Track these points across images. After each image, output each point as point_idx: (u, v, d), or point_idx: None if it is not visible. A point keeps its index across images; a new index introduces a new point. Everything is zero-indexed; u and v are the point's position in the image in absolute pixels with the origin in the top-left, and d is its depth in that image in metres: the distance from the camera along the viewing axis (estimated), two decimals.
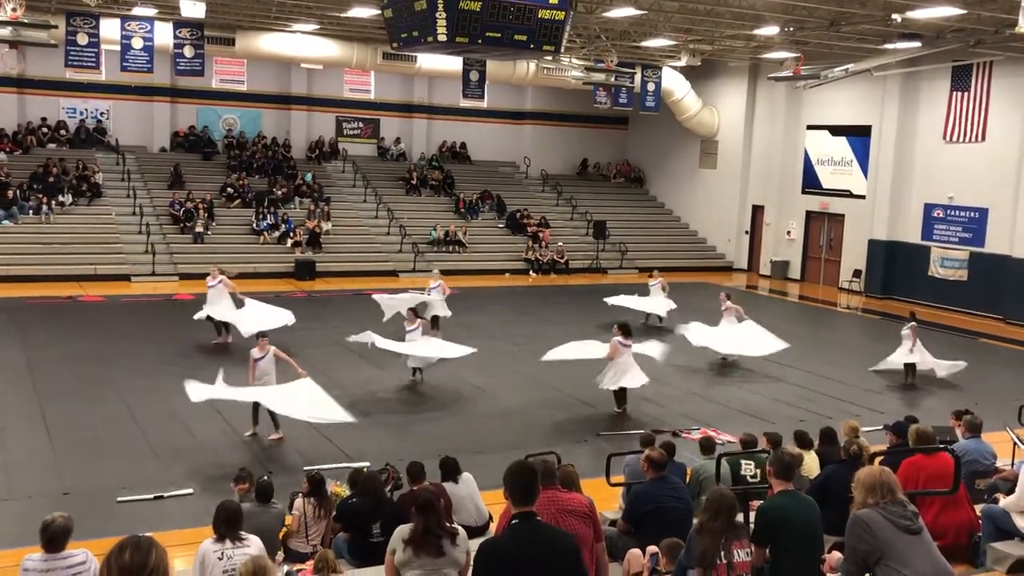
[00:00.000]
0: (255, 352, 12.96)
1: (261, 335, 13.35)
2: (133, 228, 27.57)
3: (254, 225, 29.06)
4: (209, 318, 18.31)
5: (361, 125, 35.28)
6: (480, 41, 10.95)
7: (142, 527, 8.73)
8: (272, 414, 12.80)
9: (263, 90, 33.33)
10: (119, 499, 10.50)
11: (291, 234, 28.82)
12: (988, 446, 9.04)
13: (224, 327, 18.35)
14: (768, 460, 6.18)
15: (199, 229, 27.83)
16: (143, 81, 30.04)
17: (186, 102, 32.35)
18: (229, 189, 30.14)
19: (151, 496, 10.64)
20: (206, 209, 28.54)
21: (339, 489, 9.12)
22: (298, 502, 8.38)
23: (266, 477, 8.65)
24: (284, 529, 8.47)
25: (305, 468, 10.43)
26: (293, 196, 30.87)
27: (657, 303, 22.04)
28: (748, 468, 9.28)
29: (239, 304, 18.30)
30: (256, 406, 12.67)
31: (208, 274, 18.88)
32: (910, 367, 17.40)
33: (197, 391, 12.22)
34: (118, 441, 12.58)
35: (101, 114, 31.35)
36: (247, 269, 26.66)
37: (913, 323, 17.62)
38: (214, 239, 28.13)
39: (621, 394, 14.91)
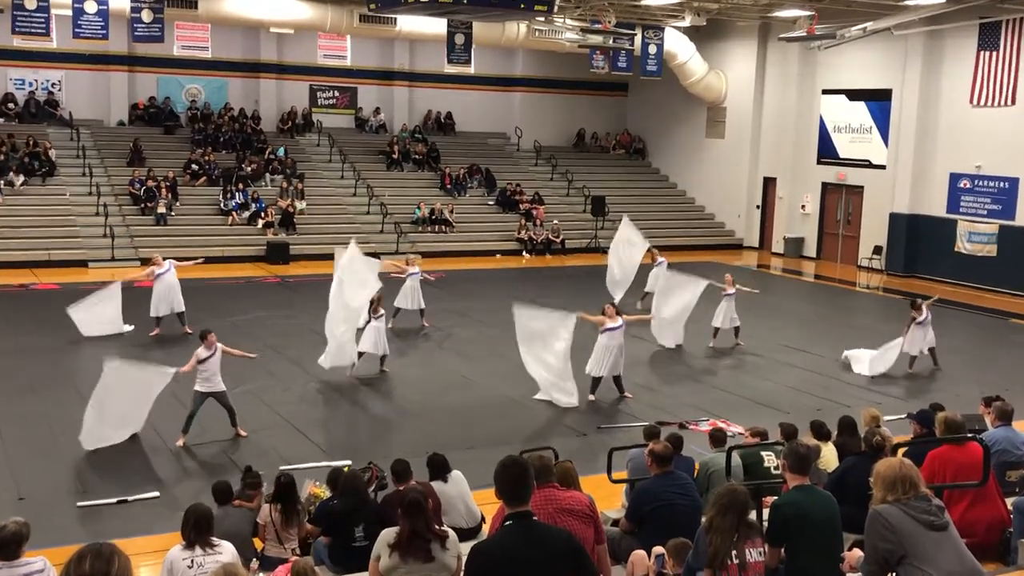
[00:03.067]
0: (202, 351, 12.67)
1: (207, 332, 13.01)
2: (90, 210, 27.46)
3: (222, 205, 28.97)
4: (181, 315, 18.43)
5: (337, 94, 35.13)
6: (465, 1, 10.91)
7: (104, 533, 8.75)
8: (231, 412, 12.83)
9: (229, 57, 33.16)
10: (79, 503, 10.51)
11: (262, 214, 28.74)
12: (1020, 435, 9.07)
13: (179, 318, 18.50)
14: (782, 453, 6.21)
15: (161, 210, 27.73)
16: (98, 49, 29.76)
17: (145, 71, 32.17)
18: (194, 166, 30.02)
19: (114, 500, 10.64)
20: (169, 188, 28.43)
21: (318, 490, 9.12)
22: (264, 509, 8.36)
23: (226, 480, 8.67)
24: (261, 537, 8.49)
25: (280, 468, 10.43)
26: (264, 173, 30.76)
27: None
28: (771, 459, 9.30)
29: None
30: (191, 416, 12.61)
31: (150, 259, 19.00)
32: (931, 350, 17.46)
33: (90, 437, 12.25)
34: (77, 441, 12.54)
35: (52, 85, 31.15)
36: (215, 253, 26.61)
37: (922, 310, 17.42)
38: (178, 221, 28.03)
39: (617, 380, 15.10)
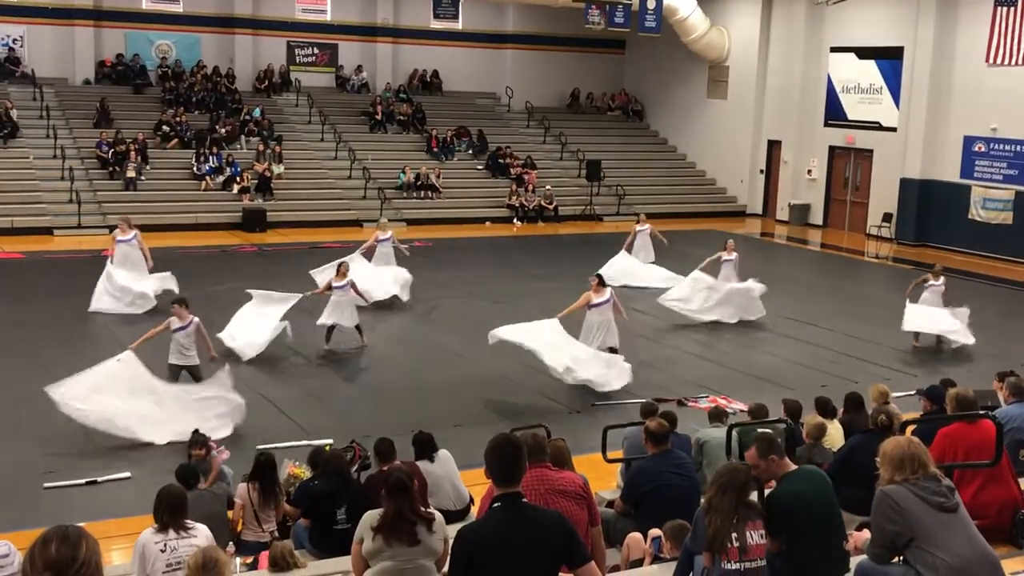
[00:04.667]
0: (174, 322, 12.85)
1: (178, 301, 13.14)
2: (54, 174, 27.29)
3: (194, 169, 28.84)
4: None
5: (316, 51, 34.91)
6: None
7: (72, 516, 8.75)
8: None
9: (202, 11, 32.88)
10: (46, 485, 10.52)
11: (237, 179, 28.62)
12: None
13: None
14: (759, 451, 6.13)
15: (131, 174, 27.59)
16: (62, 2, 29.54)
17: (113, 26, 31.89)
18: (165, 127, 29.85)
19: (82, 481, 10.65)
20: (138, 151, 28.27)
21: (298, 470, 9.16)
22: (242, 488, 8.40)
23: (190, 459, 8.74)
24: (236, 518, 8.53)
25: (258, 447, 10.46)
26: (239, 135, 30.61)
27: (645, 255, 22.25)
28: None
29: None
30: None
31: (116, 227, 18.97)
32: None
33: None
34: (43, 419, 12.50)
35: (13, 41, 30.87)
36: (187, 220, 26.53)
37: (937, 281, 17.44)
38: (148, 185, 27.90)
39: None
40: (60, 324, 17.16)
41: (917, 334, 17.33)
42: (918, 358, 16.72)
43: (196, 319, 12.99)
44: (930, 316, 17.04)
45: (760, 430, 7.28)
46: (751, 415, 10.17)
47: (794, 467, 6.15)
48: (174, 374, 12.76)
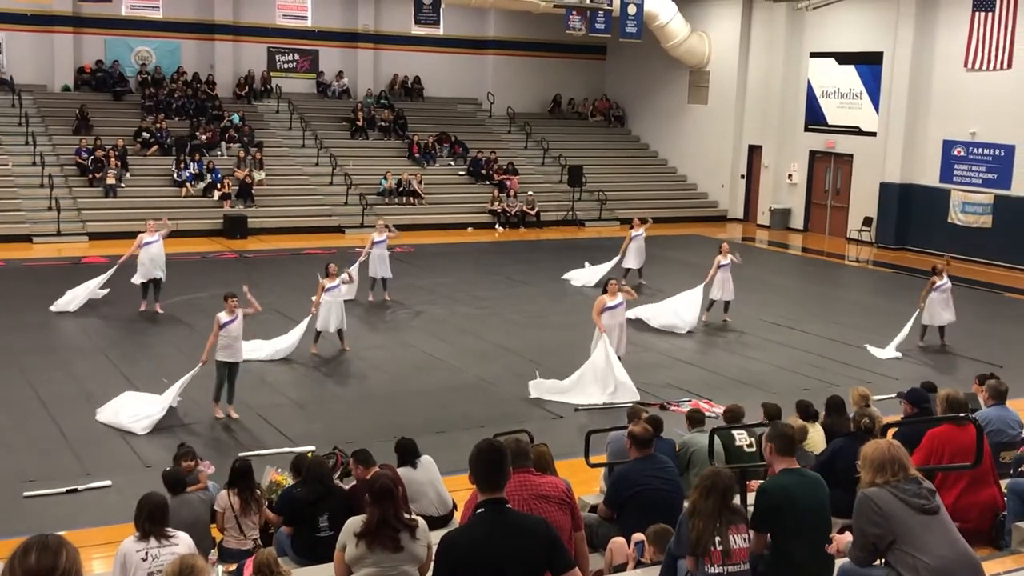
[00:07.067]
0: (222, 316, 13.08)
1: (230, 295, 13.40)
2: (34, 181, 27.15)
3: (175, 175, 28.74)
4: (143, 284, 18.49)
5: (297, 57, 34.85)
6: None
7: (53, 525, 8.71)
8: (231, 388, 13.08)
9: (181, 18, 32.78)
10: (26, 494, 10.45)
11: (218, 185, 28.53)
12: (1013, 414, 9.17)
13: (154, 289, 18.55)
14: (766, 435, 6.22)
15: (111, 181, 27.47)
16: (40, 8, 29.37)
17: (92, 33, 31.75)
18: (144, 134, 29.74)
19: (63, 490, 10.59)
20: (118, 157, 28.16)
21: (280, 477, 9.13)
22: (222, 495, 8.37)
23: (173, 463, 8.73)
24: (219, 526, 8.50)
25: (239, 454, 10.42)
26: (219, 141, 30.52)
27: (637, 257, 22.04)
28: (743, 438, 9.37)
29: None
30: (219, 385, 13.05)
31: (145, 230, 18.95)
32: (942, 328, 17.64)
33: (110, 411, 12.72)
34: (23, 427, 12.48)
35: None
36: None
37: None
38: (128, 192, 27.77)
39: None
40: (39, 331, 17.06)
41: (923, 333, 17.44)
42: (898, 362, 16.77)
43: (241, 311, 13.25)
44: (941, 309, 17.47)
45: (780, 423, 7.33)
46: (726, 418, 10.19)
47: (795, 465, 6.14)
48: (221, 371, 13.02)
